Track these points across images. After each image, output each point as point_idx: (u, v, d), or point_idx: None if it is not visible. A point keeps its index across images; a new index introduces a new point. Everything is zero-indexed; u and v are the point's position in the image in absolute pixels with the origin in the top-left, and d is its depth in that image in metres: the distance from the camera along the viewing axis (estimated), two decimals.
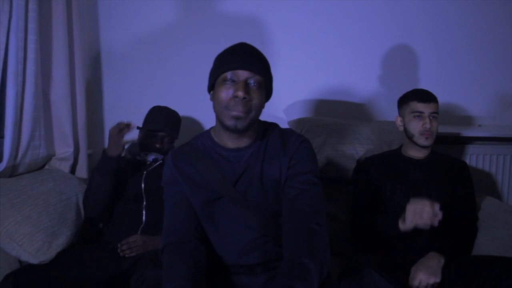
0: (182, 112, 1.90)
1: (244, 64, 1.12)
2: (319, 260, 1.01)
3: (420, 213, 1.32)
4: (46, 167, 1.85)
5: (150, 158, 1.75)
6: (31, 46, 1.62)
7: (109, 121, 2.16)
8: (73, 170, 1.94)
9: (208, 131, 1.27)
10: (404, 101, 1.64)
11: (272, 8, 2.07)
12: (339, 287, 1.22)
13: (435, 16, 2.13)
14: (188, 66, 2.08)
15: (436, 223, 1.31)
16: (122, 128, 1.58)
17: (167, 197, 1.23)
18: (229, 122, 1.12)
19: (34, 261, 1.38)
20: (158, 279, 1.19)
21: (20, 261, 1.44)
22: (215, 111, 1.17)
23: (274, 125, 1.28)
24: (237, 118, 1.11)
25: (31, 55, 1.62)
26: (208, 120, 2.09)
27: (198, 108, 2.09)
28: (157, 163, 1.74)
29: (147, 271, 1.22)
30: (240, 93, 1.09)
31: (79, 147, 1.95)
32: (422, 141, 1.58)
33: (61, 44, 1.80)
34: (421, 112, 1.56)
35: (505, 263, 1.23)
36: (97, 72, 2.12)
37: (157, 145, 1.73)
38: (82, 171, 1.97)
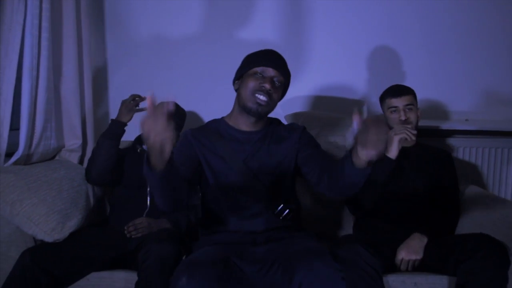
0: (184, 107, 2.01)
1: (273, 64, 1.38)
2: None
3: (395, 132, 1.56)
4: (57, 157, 1.97)
5: None
6: (44, 43, 1.74)
7: (115, 116, 2.27)
8: (81, 162, 2.05)
9: (222, 118, 1.50)
10: (382, 99, 1.76)
11: (270, 8, 2.20)
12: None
13: (424, 15, 2.23)
14: (192, 64, 2.20)
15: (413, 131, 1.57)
16: (136, 97, 1.75)
17: (175, 149, 1.27)
18: (253, 106, 1.36)
19: (48, 239, 1.50)
20: (163, 253, 1.31)
21: (34, 240, 1.56)
22: (240, 96, 1.40)
23: (277, 120, 1.55)
24: (259, 104, 1.36)
25: (44, 52, 1.74)
26: (210, 116, 2.21)
27: (201, 103, 2.21)
28: None
29: (153, 246, 1.32)
30: (267, 85, 1.34)
31: (87, 140, 2.07)
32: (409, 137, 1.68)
33: (70, 41, 1.92)
34: (396, 107, 1.68)
35: (477, 238, 1.35)
36: (103, 70, 2.24)
37: None
38: None
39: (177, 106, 1.92)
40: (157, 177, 1.09)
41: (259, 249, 1.35)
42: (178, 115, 1.91)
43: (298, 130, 1.49)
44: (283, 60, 1.44)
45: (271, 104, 1.39)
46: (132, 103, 1.79)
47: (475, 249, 1.29)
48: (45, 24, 1.73)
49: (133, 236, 1.59)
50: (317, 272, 1.15)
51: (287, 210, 1.41)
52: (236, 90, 1.45)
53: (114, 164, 1.77)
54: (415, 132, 1.62)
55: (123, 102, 1.81)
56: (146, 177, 1.12)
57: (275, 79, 1.38)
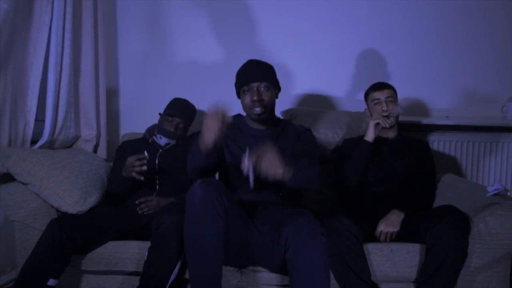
0: (193, 100, 2.20)
1: (253, 77, 1.64)
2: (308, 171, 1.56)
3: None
4: (73, 146, 2.18)
5: (163, 142, 2.03)
6: (67, 42, 1.97)
7: (124, 113, 2.50)
8: (95, 151, 2.27)
9: (243, 115, 1.80)
10: (366, 94, 1.99)
11: (267, 13, 2.43)
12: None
13: (409, 19, 2.41)
14: (197, 62, 2.43)
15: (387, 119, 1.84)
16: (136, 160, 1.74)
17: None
18: (254, 117, 1.67)
19: (72, 211, 1.70)
20: (173, 222, 1.51)
21: (57, 214, 1.76)
22: (244, 110, 1.72)
23: (286, 120, 1.87)
24: (258, 114, 1.65)
25: (66, 50, 1.97)
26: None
27: (211, 96, 2.41)
28: (170, 145, 2.05)
29: (165, 215, 1.53)
30: (255, 97, 1.62)
31: (100, 131, 2.28)
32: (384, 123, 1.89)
33: (88, 42, 2.15)
34: (378, 99, 1.90)
35: (443, 208, 1.57)
36: (115, 69, 2.47)
37: (172, 129, 2.00)
38: (102, 152, 2.31)
39: (188, 102, 2.10)
40: (201, 157, 1.51)
41: (262, 214, 1.59)
42: (190, 110, 2.09)
43: (302, 130, 1.78)
44: (263, 66, 1.70)
45: (268, 107, 1.65)
46: (130, 169, 1.75)
47: (441, 217, 1.50)
48: (68, 25, 1.96)
49: (144, 213, 1.79)
50: (300, 226, 1.36)
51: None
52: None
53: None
54: (389, 121, 1.87)
55: (127, 163, 1.78)
56: (192, 154, 1.57)
57: (261, 87, 1.64)
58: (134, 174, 1.72)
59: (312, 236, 1.35)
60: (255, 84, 1.63)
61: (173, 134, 2.00)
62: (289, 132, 1.76)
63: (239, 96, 1.73)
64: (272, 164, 1.39)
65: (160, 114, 2.06)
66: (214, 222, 1.36)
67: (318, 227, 1.38)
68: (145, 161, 1.74)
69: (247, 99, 1.65)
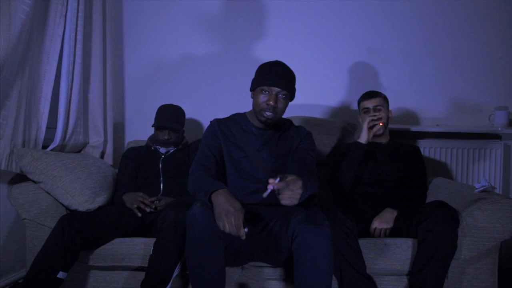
0: (195, 108, 2.34)
1: (278, 82, 1.61)
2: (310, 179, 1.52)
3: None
4: (82, 152, 2.27)
5: (163, 150, 2.14)
6: (78, 53, 2.09)
7: (130, 122, 2.61)
8: (102, 157, 2.36)
9: (244, 113, 1.81)
10: (358, 103, 2.12)
11: (268, 24, 2.58)
12: None
13: (398, 34, 2.55)
14: (200, 72, 2.56)
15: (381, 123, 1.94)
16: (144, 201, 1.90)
17: (204, 143, 1.70)
18: (262, 118, 1.66)
19: (82, 208, 1.79)
20: (178, 218, 1.59)
21: (67, 211, 1.84)
22: (253, 105, 1.69)
23: (289, 121, 1.86)
24: (267, 118, 1.64)
25: (78, 60, 2.09)
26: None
27: (205, 112, 2.56)
28: (171, 151, 2.16)
29: (170, 212, 1.62)
30: (272, 103, 1.62)
31: (107, 138, 2.39)
32: (374, 129, 2.00)
33: (97, 53, 2.27)
34: (367, 108, 2.03)
35: (433, 203, 1.67)
36: (121, 80, 2.59)
37: (165, 137, 2.12)
38: (109, 158, 2.40)
39: (174, 107, 2.17)
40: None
41: (263, 210, 1.63)
42: (176, 116, 2.15)
43: (303, 134, 1.79)
44: (288, 74, 1.66)
45: (277, 115, 1.66)
46: (134, 202, 1.89)
47: (431, 211, 1.60)
48: (79, 37, 2.09)
49: (148, 210, 1.87)
50: (307, 217, 1.43)
51: None
52: (252, 97, 1.73)
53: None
54: (377, 128, 1.99)
55: (134, 197, 1.92)
56: (201, 191, 1.50)
57: (280, 94, 1.63)
58: (134, 208, 1.86)
59: (319, 226, 1.40)
60: (275, 89, 1.62)
61: (168, 142, 2.13)
62: (290, 135, 1.77)
63: (252, 89, 1.70)
64: (292, 201, 1.32)
65: (152, 126, 2.15)
66: (215, 246, 1.41)
67: (324, 219, 1.44)
68: (152, 206, 1.88)
69: (263, 99, 1.63)
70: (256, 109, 1.67)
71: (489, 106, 2.54)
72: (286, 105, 1.69)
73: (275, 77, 1.62)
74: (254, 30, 2.58)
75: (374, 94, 2.05)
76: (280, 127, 1.78)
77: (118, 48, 2.58)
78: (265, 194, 1.28)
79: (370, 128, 1.96)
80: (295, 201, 1.33)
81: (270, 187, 1.27)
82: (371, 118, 1.96)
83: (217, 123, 1.75)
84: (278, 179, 1.28)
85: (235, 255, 1.59)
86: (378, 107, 2.01)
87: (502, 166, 2.48)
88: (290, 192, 1.30)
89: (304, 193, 1.35)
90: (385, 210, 1.81)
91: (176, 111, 2.17)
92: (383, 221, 1.77)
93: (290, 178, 1.31)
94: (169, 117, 2.12)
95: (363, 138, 1.94)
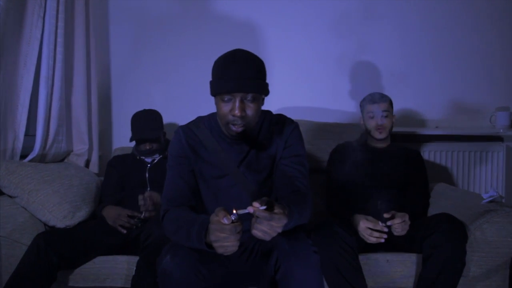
0: (181, 113, 2.20)
1: (238, 85, 1.22)
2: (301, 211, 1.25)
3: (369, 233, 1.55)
4: (65, 161, 2.15)
5: (148, 160, 2.02)
6: (59, 56, 1.97)
7: (117, 127, 2.49)
8: (87, 165, 2.24)
9: (213, 115, 1.42)
10: (362, 105, 1.99)
11: (267, 27, 2.47)
12: (309, 238, 1.50)
13: (402, 36, 2.47)
14: (190, 76, 2.44)
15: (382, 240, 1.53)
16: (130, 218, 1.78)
17: (172, 167, 1.35)
18: (232, 133, 1.29)
19: (60, 225, 1.66)
20: (162, 234, 1.44)
21: (45, 228, 1.71)
22: (218, 117, 1.34)
23: (266, 112, 1.44)
24: (236, 131, 1.27)
25: (58, 64, 1.97)
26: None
27: (199, 110, 2.42)
28: (157, 159, 2.03)
29: (153, 228, 1.51)
30: (237, 112, 1.23)
31: (92, 146, 2.26)
32: (376, 135, 1.89)
33: (81, 56, 2.15)
34: (373, 112, 1.89)
35: (439, 217, 1.55)
36: (107, 85, 2.46)
37: (147, 147, 1.98)
38: (94, 166, 2.28)
39: (148, 114, 2.02)
40: (199, 247, 1.17)
41: (242, 236, 1.17)
42: (152, 125, 2.00)
43: (288, 132, 1.40)
44: (252, 68, 1.25)
45: (249, 124, 1.28)
46: (117, 221, 1.77)
47: (437, 225, 1.48)
48: (60, 39, 1.96)
49: (140, 210, 1.75)
50: (290, 246, 1.23)
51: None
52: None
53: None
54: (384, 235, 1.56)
55: (116, 216, 1.79)
56: (188, 238, 1.19)
57: (244, 98, 1.25)
58: (118, 226, 1.74)
59: (305, 256, 1.22)
60: (239, 94, 1.24)
61: (151, 151, 2.00)
62: (272, 139, 1.40)
63: (213, 94, 1.31)
64: (265, 237, 1.09)
65: (130, 140, 2.02)
66: None
67: (310, 246, 1.24)
68: (135, 221, 1.75)
69: (226, 108, 1.26)
70: (222, 122, 1.31)
71: (490, 107, 2.46)
72: (259, 107, 1.29)
73: (235, 78, 1.23)
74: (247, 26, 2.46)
75: (381, 98, 1.91)
76: (258, 132, 1.40)
77: (104, 50, 2.45)
78: (237, 213, 1.05)
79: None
80: (268, 238, 1.08)
81: (250, 210, 1.05)
82: (375, 239, 1.54)
83: (184, 136, 1.38)
84: (264, 207, 1.05)
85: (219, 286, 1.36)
86: (385, 113, 1.89)
87: (505, 170, 2.39)
88: (268, 227, 1.06)
89: (286, 225, 1.10)
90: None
91: (150, 116, 2.02)
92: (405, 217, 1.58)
93: (277, 211, 1.06)
94: (144, 126, 1.98)
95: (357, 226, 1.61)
